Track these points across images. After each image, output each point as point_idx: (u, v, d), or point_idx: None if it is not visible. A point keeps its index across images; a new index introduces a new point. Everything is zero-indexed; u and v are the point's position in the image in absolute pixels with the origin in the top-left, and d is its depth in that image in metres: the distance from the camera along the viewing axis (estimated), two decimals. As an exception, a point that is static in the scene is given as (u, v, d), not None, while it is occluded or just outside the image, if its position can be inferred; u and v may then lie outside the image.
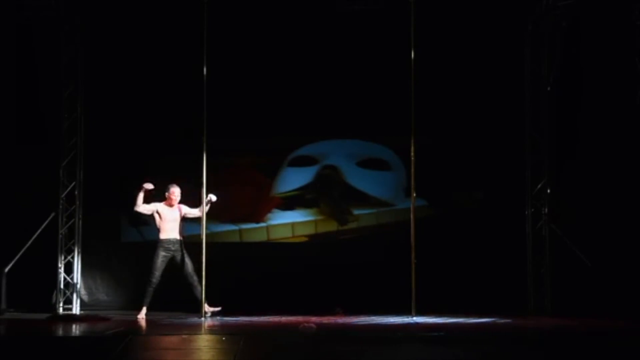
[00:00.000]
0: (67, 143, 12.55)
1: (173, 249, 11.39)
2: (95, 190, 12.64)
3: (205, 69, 11.46)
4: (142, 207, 11.36)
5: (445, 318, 11.06)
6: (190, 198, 12.21)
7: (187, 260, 11.41)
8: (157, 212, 11.39)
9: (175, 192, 11.45)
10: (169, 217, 11.41)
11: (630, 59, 11.26)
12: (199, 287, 11.28)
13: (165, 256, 11.34)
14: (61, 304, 12.39)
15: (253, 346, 8.40)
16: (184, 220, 11.53)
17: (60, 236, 12.46)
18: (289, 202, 13.04)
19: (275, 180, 13.08)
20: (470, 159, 12.74)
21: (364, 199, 13.10)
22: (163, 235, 11.39)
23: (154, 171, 12.85)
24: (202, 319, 11.14)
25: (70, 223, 12.52)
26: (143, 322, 10.90)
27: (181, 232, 11.48)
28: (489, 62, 12.55)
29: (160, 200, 11.48)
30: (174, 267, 11.46)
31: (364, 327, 10.35)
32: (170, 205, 11.46)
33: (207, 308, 11.34)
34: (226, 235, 12.96)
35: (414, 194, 11.59)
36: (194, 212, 11.52)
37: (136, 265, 12.83)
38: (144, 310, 11.28)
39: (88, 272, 12.82)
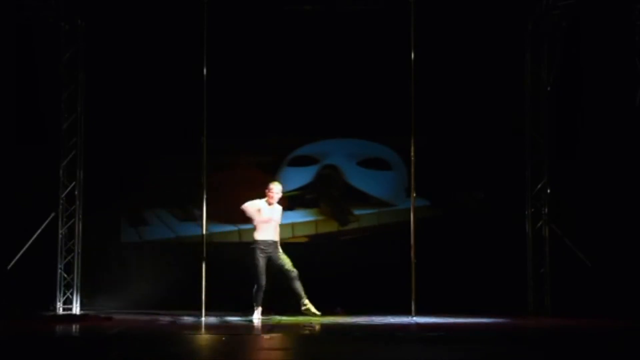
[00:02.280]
0: (67, 143, 12.56)
1: (269, 250, 10.87)
2: (95, 190, 12.64)
3: (205, 69, 11.47)
4: (248, 206, 10.96)
5: (445, 318, 11.06)
6: (190, 198, 12.25)
7: (284, 257, 10.92)
8: (258, 210, 10.92)
9: (274, 189, 10.97)
10: (265, 216, 10.90)
11: (630, 59, 11.26)
12: (297, 281, 10.84)
13: (263, 257, 10.83)
14: (61, 304, 12.39)
15: (253, 346, 8.40)
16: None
17: (60, 236, 12.46)
18: (289, 202, 13.02)
19: (275, 180, 13.05)
20: (471, 159, 12.74)
21: (364, 199, 13.09)
22: (259, 236, 10.88)
23: (154, 171, 12.87)
24: (202, 318, 11.15)
25: (70, 223, 12.52)
26: (259, 323, 10.68)
27: (278, 234, 11.03)
28: (489, 62, 12.55)
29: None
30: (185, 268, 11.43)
31: (364, 327, 10.36)
32: (270, 204, 11.00)
33: (311, 309, 10.86)
34: (226, 235, 12.95)
35: (414, 194, 11.59)
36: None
37: (136, 265, 12.84)
38: (260, 310, 10.92)
39: (88, 272, 12.82)
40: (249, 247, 10.97)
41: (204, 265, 11.31)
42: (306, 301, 10.87)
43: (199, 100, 11.41)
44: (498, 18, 12.34)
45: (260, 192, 11.14)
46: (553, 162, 12.42)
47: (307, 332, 9.80)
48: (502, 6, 12.21)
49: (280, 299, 11.85)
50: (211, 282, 11.44)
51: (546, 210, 12.34)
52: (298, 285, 10.86)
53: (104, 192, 12.66)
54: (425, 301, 11.31)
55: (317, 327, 10.16)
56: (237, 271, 12.34)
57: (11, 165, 12.44)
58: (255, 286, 10.89)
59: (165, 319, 11.20)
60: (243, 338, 9.07)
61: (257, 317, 10.89)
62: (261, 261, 10.81)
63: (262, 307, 11.00)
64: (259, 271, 10.81)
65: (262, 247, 10.86)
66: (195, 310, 11.42)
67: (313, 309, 10.86)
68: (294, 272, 10.87)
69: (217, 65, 11.67)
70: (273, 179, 12.19)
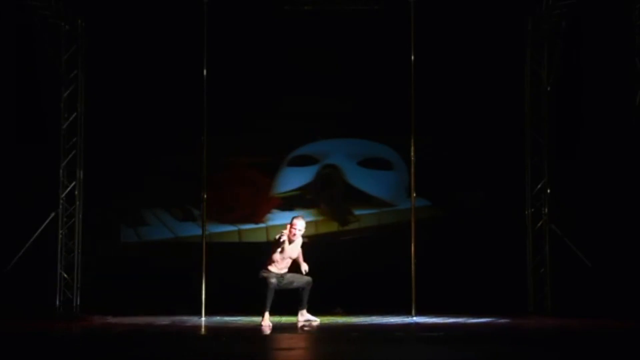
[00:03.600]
0: (67, 143, 12.57)
1: (279, 276, 10.23)
2: (95, 190, 12.64)
3: (205, 69, 11.48)
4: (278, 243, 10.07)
5: (445, 318, 11.06)
6: (190, 198, 12.25)
7: (298, 276, 10.37)
8: (283, 249, 10.08)
9: (297, 224, 10.12)
10: (287, 253, 10.20)
11: (630, 59, 11.26)
12: (306, 291, 10.37)
13: (276, 279, 10.15)
14: (61, 304, 12.39)
15: (253, 346, 8.40)
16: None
17: (60, 236, 12.46)
18: (289, 202, 13.03)
19: (275, 180, 13.06)
20: (471, 159, 12.75)
21: (365, 199, 13.08)
22: (273, 268, 10.19)
23: (154, 171, 12.88)
24: (202, 319, 11.15)
25: (70, 223, 12.53)
26: (268, 329, 9.97)
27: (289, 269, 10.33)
28: (489, 62, 12.56)
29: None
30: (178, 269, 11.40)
31: (364, 327, 10.35)
32: (290, 241, 10.20)
33: (306, 316, 10.45)
34: (225, 235, 12.95)
35: (414, 194, 11.60)
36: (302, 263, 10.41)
37: (135, 265, 12.83)
38: (267, 315, 10.22)
39: (88, 271, 12.82)
40: (259, 275, 10.21)
41: (204, 265, 11.30)
42: (304, 311, 10.45)
43: (198, 100, 11.42)
44: (498, 18, 12.35)
45: (260, 194, 11.13)
46: (553, 162, 12.42)
47: (306, 329, 9.79)
48: (502, 6, 12.22)
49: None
50: (211, 282, 11.43)
51: (546, 210, 12.34)
52: (305, 293, 10.42)
53: (104, 192, 12.66)
54: (425, 301, 11.30)
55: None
56: (237, 271, 12.35)
57: (11, 165, 12.44)
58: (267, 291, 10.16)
59: (165, 319, 11.19)
60: (243, 338, 9.06)
61: (267, 322, 10.22)
62: (276, 281, 10.15)
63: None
64: (271, 285, 10.11)
65: (274, 278, 10.17)
66: (195, 310, 11.41)
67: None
68: (309, 279, 10.40)
69: (217, 65, 11.68)
70: (273, 179, 12.23)
